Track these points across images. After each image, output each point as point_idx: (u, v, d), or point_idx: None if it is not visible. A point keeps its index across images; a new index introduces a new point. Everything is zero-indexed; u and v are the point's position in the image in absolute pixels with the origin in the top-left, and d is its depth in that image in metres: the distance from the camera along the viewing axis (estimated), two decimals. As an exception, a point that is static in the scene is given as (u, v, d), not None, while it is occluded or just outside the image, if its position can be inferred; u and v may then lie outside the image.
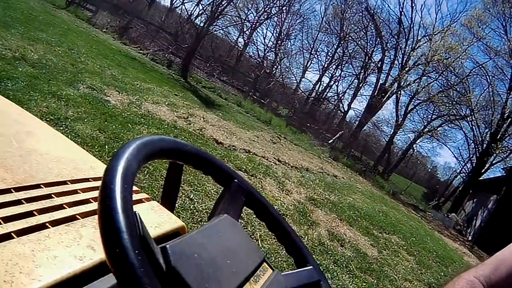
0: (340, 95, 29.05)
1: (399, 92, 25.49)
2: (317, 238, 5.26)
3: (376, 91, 25.00)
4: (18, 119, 1.22)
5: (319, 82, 29.09)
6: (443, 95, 24.85)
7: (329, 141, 19.49)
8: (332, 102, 30.43)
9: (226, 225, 0.68)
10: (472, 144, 24.56)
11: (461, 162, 28.33)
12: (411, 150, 28.36)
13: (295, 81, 28.99)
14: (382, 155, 26.50)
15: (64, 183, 0.90)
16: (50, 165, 0.96)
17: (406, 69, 24.09)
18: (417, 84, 25.17)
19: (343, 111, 29.11)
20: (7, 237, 0.64)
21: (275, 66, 25.49)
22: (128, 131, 5.29)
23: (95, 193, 0.83)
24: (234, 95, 17.93)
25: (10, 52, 5.90)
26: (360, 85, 27.19)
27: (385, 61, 25.80)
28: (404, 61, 24.39)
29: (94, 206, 0.84)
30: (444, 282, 0.86)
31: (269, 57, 26.56)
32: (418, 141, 27.84)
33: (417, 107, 26.71)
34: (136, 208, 0.98)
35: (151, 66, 13.12)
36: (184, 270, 0.50)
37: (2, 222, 0.67)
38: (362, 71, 27.46)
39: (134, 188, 1.05)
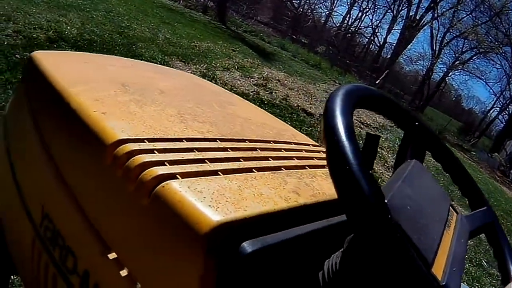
0: (375, 28, 25.65)
1: (432, 22, 22.57)
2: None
3: (408, 23, 22.01)
4: (217, 91, 1.23)
5: (349, 15, 25.70)
6: (481, 29, 21.67)
7: (376, 82, 17.16)
8: (366, 36, 27.05)
9: (419, 172, 0.62)
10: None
11: (495, 97, 26.09)
12: (442, 83, 25.56)
13: (324, 16, 25.69)
14: (419, 89, 24.04)
15: (267, 142, 0.86)
16: (253, 127, 0.92)
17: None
18: (451, 13, 21.99)
19: (378, 45, 25.91)
20: (214, 173, 0.61)
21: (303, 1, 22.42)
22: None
23: (298, 153, 0.86)
24: (274, 36, 15.59)
25: (42, 31, 3.95)
26: (396, 18, 23.77)
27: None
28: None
29: (297, 162, 0.80)
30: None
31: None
32: (451, 73, 25.19)
33: (451, 42, 23.69)
34: None
35: (190, 15, 10.85)
36: (404, 224, 0.44)
37: (208, 162, 0.64)
38: (394, 3, 23.95)
39: None
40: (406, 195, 0.51)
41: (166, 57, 5.01)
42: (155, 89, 0.93)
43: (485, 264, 3.65)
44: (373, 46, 27.57)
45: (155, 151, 0.62)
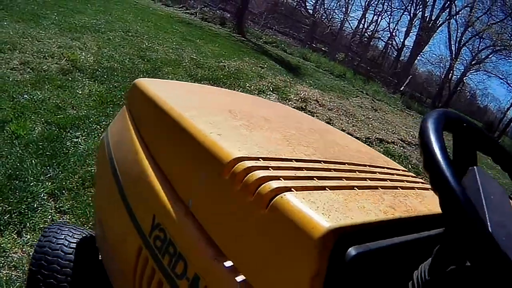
0: (392, 31, 24.55)
1: (450, 22, 21.76)
2: None
3: (423, 24, 21.21)
4: (312, 120, 1.34)
5: (364, 19, 24.79)
6: (499, 26, 20.63)
7: (400, 88, 16.26)
8: (383, 40, 25.94)
9: (487, 182, 0.59)
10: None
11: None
12: (460, 83, 24.50)
13: (340, 22, 24.80)
14: (438, 91, 23.08)
15: (364, 165, 0.91)
16: (351, 153, 0.99)
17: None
18: (468, 12, 21.13)
19: (396, 49, 24.78)
20: (322, 188, 0.66)
21: (317, 7, 21.63)
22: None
23: (391, 176, 0.91)
24: (294, 46, 14.87)
25: (53, 60, 3.29)
26: (413, 20, 22.80)
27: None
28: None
29: (391, 183, 0.84)
30: None
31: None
32: (468, 73, 24.28)
33: (469, 41, 22.70)
34: None
35: (209, 28, 10.23)
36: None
37: (316, 179, 0.69)
38: (410, 5, 22.99)
39: None
40: (497, 225, 0.50)
41: (196, 83, 4.32)
42: (259, 116, 1.02)
43: None
44: (390, 50, 26.61)
45: (270, 168, 0.67)
